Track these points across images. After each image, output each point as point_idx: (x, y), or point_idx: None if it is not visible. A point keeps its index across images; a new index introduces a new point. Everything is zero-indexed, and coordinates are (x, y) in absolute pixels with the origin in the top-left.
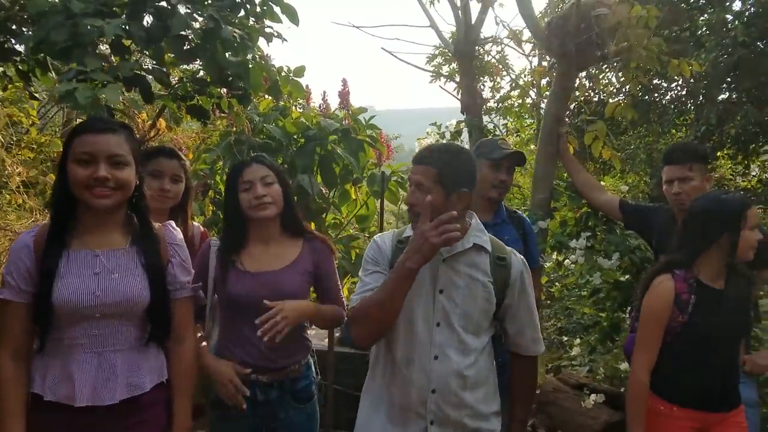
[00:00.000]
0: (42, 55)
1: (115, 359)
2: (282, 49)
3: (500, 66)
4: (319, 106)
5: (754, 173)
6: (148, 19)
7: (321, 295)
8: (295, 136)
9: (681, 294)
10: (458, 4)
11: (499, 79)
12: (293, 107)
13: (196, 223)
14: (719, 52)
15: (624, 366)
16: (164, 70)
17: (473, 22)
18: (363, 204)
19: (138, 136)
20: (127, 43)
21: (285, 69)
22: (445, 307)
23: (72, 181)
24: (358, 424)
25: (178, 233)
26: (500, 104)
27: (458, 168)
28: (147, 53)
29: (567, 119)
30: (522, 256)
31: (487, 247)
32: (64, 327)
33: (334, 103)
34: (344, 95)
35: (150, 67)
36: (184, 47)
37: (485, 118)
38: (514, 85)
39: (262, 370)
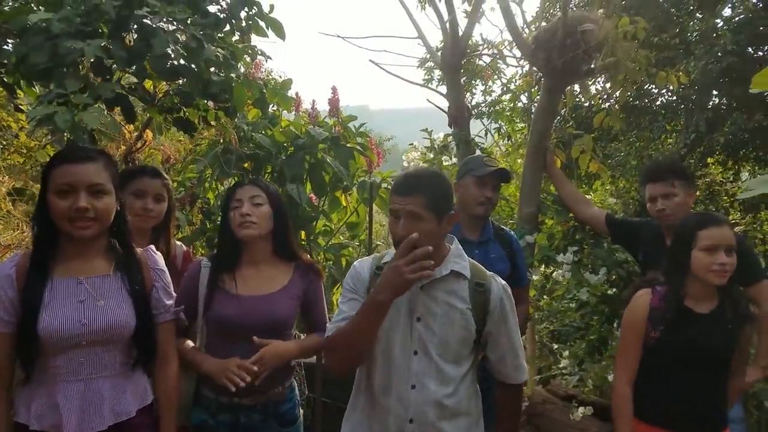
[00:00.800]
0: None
1: (102, 386)
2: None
3: (492, 70)
4: (308, 114)
5: (744, 179)
6: (131, 37)
7: (307, 320)
8: (284, 145)
9: (654, 309)
10: (445, 17)
11: (491, 83)
12: (282, 116)
13: (179, 243)
14: (708, 59)
15: (612, 377)
16: (146, 89)
17: (460, 35)
18: (353, 211)
19: (125, 147)
20: (110, 63)
21: (272, 82)
22: (422, 336)
23: (53, 212)
24: None
25: (160, 258)
26: (491, 108)
27: (444, 192)
28: (130, 72)
29: (554, 132)
30: (503, 281)
31: (466, 274)
32: (49, 356)
33: (326, 109)
34: (334, 102)
35: (133, 86)
36: (167, 66)
37: (478, 123)
38: (505, 89)
39: (244, 392)
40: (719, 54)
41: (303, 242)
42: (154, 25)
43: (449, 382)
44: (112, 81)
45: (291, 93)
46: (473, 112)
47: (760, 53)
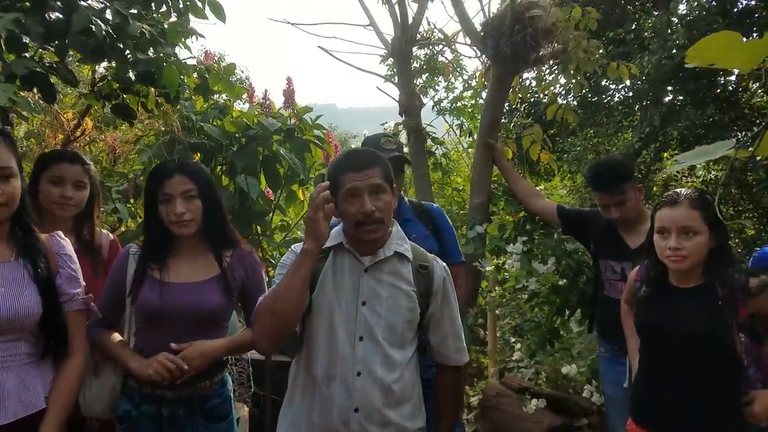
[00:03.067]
0: None
1: (6, 378)
2: (236, 48)
3: (453, 66)
4: (261, 105)
5: (699, 174)
6: (55, 14)
7: (247, 308)
8: (236, 136)
9: (636, 282)
10: (394, 1)
11: (452, 79)
12: (234, 106)
13: (105, 231)
14: (662, 55)
15: (566, 369)
16: (69, 68)
17: (410, 22)
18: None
19: (63, 136)
20: (27, 39)
21: (215, 68)
22: (368, 320)
23: None
24: None
25: (67, 243)
26: (453, 104)
27: (386, 162)
28: (50, 49)
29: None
30: (444, 263)
31: (409, 256)
32: None
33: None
34: (289, 94)
35: (54, 65)
36: (91, 45)
37: (446, 119)
38: (466, 85)
39: (168, 384)
40: (673, 50)
41: (257, 237)
42: (77, 0)
43: (395, 368)
44: (29, 59)
45: (254, 86)
46: (435, 108)
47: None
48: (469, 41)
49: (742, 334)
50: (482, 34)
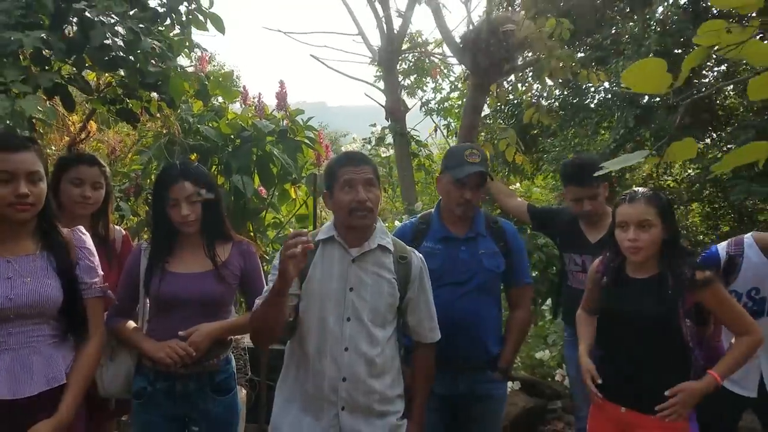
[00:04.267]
0: None
1: (32, 356)
2: (230, 48)
3: (441, 68)
4: (255, 107)
5: (675, 172)
6: (72, 29)
7: (247, 295)
8: (231, 137)
9: (597, 272)
10: (381, 15)
11: (440, 80)
12: (230, 108)
13: (117, 227)
14: (636, 60)
15: (539, 355)
16: (86, 79)
17: (395, 32)
18: (303, 203)
19: (69, 138)
20: (49, 53)
21: (213, 75)
22: (355, 304)
23: None
24: (274, 415)
25: (87, 237)
26: (440, 105)
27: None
28: (69, 63)
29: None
30: (421, 255)
31: (390, 248)
32: None
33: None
34: (281, 96)
35: (72, 76)
36: (106, 58)
37: (433, 119)
38: (453, 87)
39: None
40: (650, 54)
41: (251, 233)
42: (93, 18)
43: (378, 344)
44: (51, 71)
45: (248, 88)
46: (423, 109)
47: (685, 55)
48: (449, 52)
49: (688, 320)
50: (461, 45)
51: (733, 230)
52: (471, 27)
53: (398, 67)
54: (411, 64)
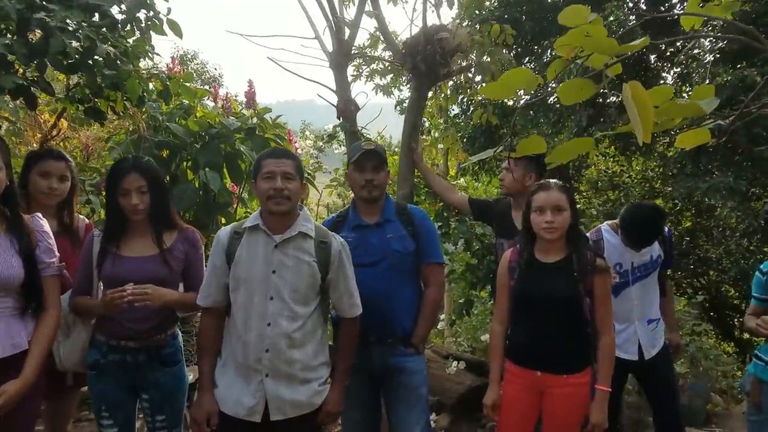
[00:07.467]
0: None
1: None
2: (212, 45)
3: None
4: (223, 106)
5: (636, 168)
6: (37, 33)
7: (186, 280)
8: (200, 134)
9: (512, 262)
10: (333, 21)
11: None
12: (202, 106)
13: (81, 216)
14: None
15: (484, 337)
16: (47, 81)
17: (346, 37)
18: None
19: (41, 135)
20: (12, 58)
21: (173, 77)
22: (277, 284)
23: None
24: (216, 377)
25: (44, 222)
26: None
27: (300, 162)
28: (32, 66)
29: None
30: (341, 239)
31: (311, 234)
32: None
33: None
34: (250, 95)
35: (35, 79)
36: (65, 62)
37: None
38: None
39: (130, 336)
40: None
41: (222, 226)
42: (52, 24)
43: (298, 319)
44: (15, 74)
45: (229, 87)
46: (398, 108)
47: (636, 54)
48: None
49: (588, 298)
50: (403, 51)
51: (693, 225)
52: (411, 35)
53: (375, 66)
54: (387, 64)
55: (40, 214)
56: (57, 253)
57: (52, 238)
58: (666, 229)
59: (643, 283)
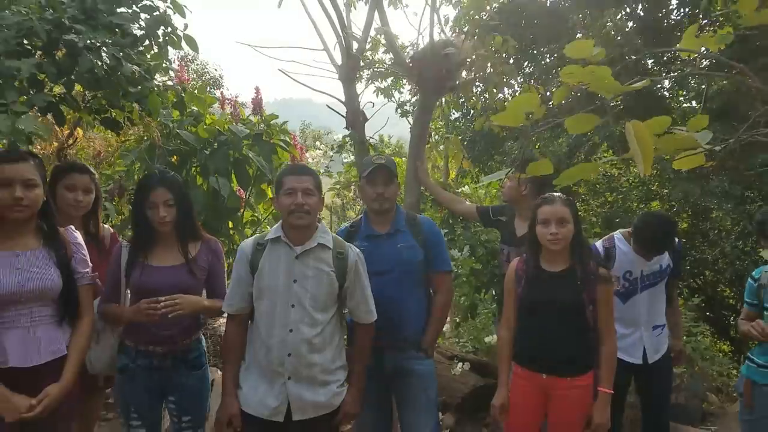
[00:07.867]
0: None
1: (38, 332)
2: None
3: None
4: (231, 114)
5: (633, 172)
6: (61, 53)
7: (209, 288)
8: (209, 141)
9: (518, 271)
10: (342, 35)
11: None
12: (210, 113)
13: (106, 226)
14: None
15: (488, 339)
16: (74, 98)
17: (354, 51)
18: None
19: (57, 144)
20: (42, 77)
21: (189, 87)
22: (298, 293)
23: None
24: (241, 379)
25: (78, 234)
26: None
27: (320, 179)
28: (60, 84)
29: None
30: (357, 250)
31: (329, 245)
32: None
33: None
34: (257, 102)
35: (62, 95)
36: (92, 80)
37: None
38: None
39: (158, 342)
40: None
41: (230, 230)
42: (80, 45)
43: (318, 325)
44: (44, 92)
45: (230, 91)
46: (399, 111)
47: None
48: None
49: (591, 306)
50: (410, 66)
51: (690, 227)
52: (418, 49)
53: (376, 69)
54: (388, 67)
55: (73, 227)
56: (90, 264)
57: (86, 249)
58: (677, 240)
59: (651, 291)
